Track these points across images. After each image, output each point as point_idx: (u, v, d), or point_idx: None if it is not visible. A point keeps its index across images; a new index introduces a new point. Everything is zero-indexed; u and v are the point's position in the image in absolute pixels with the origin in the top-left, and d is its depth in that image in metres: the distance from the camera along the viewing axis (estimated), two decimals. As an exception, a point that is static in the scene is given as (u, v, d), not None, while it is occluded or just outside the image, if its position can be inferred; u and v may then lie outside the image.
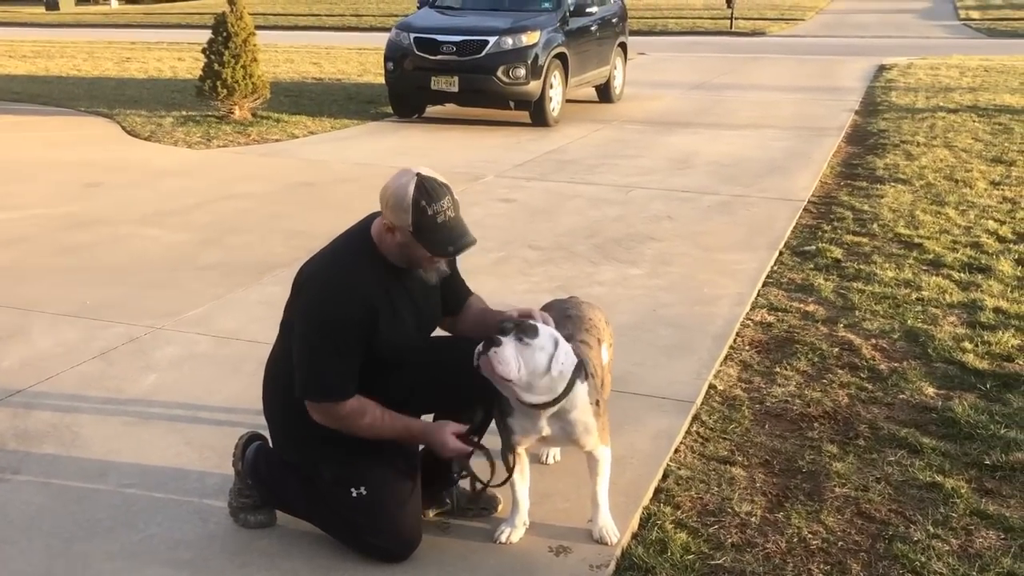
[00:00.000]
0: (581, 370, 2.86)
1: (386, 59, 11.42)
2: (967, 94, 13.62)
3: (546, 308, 3.35)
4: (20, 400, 3.99)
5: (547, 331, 2.80)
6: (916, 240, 6.42)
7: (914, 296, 5.34)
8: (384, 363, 2.88)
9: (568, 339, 2.96)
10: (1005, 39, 24.55)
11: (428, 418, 3.06)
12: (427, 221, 2.72)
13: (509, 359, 2.71)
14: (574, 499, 3.24)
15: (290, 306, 2.97)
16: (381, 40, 12.66)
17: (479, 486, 2.97)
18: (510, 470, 2.99)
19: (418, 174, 2.75)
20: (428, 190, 2.73)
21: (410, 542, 2.89)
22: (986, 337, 4.74)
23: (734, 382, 4.27)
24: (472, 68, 10.85)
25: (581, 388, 2.85)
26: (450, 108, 12.08)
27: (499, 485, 2.98)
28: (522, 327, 2.77)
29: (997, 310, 5.12)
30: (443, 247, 2.78)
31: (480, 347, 2.74)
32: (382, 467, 2.89)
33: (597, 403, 2.92)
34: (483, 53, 10.84)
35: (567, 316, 3.20)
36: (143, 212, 7.12)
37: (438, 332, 3.17)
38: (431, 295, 3.02)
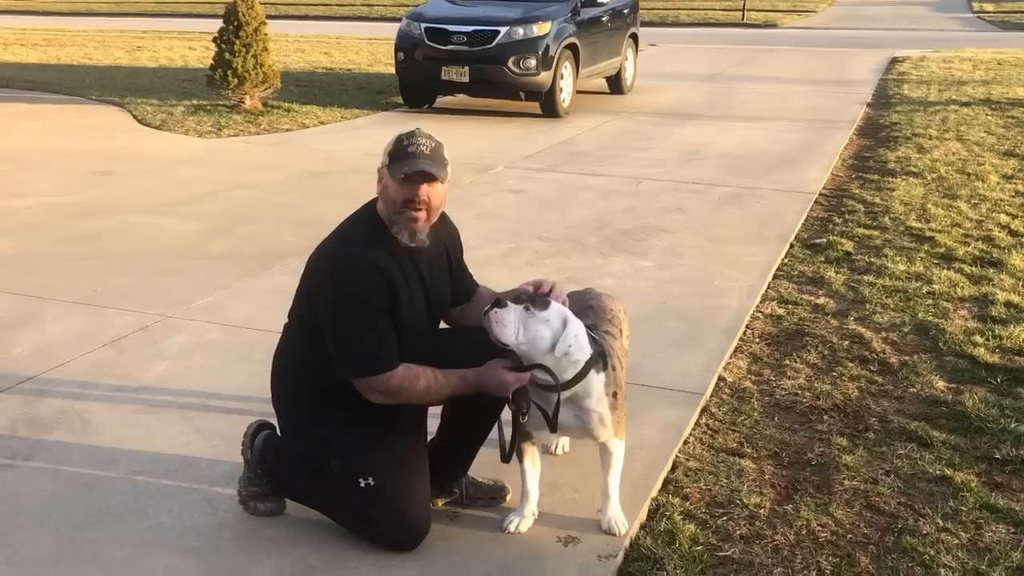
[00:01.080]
0: (599, 360, 2.86)
1: (397, 49, 11.41)
2: (980, 87, 13.55)
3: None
4: (31, 387, 4.00)
5: (558, 309, 2.80)
6: (928, 233, 6.39)
7: (925, 289, 5.33)
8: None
9: (592, 329, 2.96)
10: (1019, 32, 24.40)
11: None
12: (399, 151, 2.82)
13: (508, 322, 2.74)
14: (583, 489, 3.24)
15: (301, 293, 2.97)
16: (392, 30, 12.66)
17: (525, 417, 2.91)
18: (520, 457, 2.99)
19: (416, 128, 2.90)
20: (414, 131, 2.87)
21: (418, 532, 2.90)
22: (997, 331, 4.72)
23: (744, 374, 4.26)
24: (483, 58, 10.83)
25: (596, 378, 2.84)
26: (461, 99, 12.07)
27: (507, 459, 2.97)
28: (533, 298, 2.79)
29: (1008, 304, 5.10)
30: (399, 169, 2.80)
31: (488, 306, 2.78)
32: (390, 457, 2.88)
33: (615, 395, 2.91)
34: (494, 43, 10.82)
35: (588, 306, 3.19)
36: (154, 201, 7.13)
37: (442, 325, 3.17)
38: (440, 277, 3.02)
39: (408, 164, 2.80)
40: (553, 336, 2.75)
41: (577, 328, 2.80)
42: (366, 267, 2.78)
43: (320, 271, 2.85)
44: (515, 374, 2.81)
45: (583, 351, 2.81)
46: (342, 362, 2.82)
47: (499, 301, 2.79)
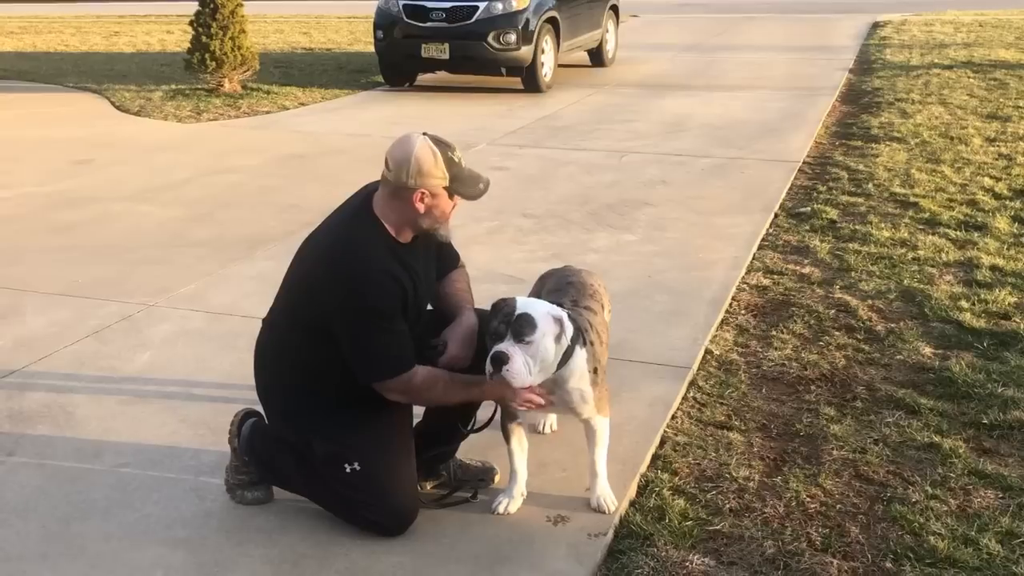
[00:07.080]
0: (579, 336, 2.85)
1: (376, 27, 11.32)
2: (962, 50, 13.52)
3: (544, 278, 3.33)
4: (14, 381, 3.97)
5: (543, 313, 2.75)
6: (912, 199, 6.38)
7: (910, 256, 5.32)
8: None
9: (573, 305, 2.96)
10: (1000, -7, 24.34)
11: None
12: (458, 170, 2.85)
13: (518, 369, 2.70)
14: (571, 468, 3.23)
15: (301, 295, 2.91)
16: (371, 8, 12.53)
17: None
18: (508, 438, 2.98)
19: (424, 134, 2.84)
20: (444, 143, 2.85)
21: (406, 516, 2.88)
22: (983, 295, 4.72)
23: (730, 347, 4.25)
24: (462, 34, 10.75)
25: (579, 354, 2.84)
26: (441, 76, 11.98)
27: (477, 430, 3.06)
28: (517, 325, 2.71)
29: (994, 268, 5.10)
30: (475, 187, 2.90)
31: (489, 367, 2.72)
32: (375, 442, 2.87)
33: (595, 371, 2.90)
34: (473, 19, 10.74)
35: (569, 283, 3.18)
36: (134, 188, 7.06)
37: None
38: (429, 266, 3.02)
39: (477, 180, 2.91)
40: (555, 337, 2.74)
41: (562, 313, 2.79)
42: (383, 278, 2.77)
43: (336, 287, 2.78)
44: (536, 396, 2.83)
45: (570, 331, 2.80)
46: (364, 368, 2.82)
47: (497, 359, 2.70)
